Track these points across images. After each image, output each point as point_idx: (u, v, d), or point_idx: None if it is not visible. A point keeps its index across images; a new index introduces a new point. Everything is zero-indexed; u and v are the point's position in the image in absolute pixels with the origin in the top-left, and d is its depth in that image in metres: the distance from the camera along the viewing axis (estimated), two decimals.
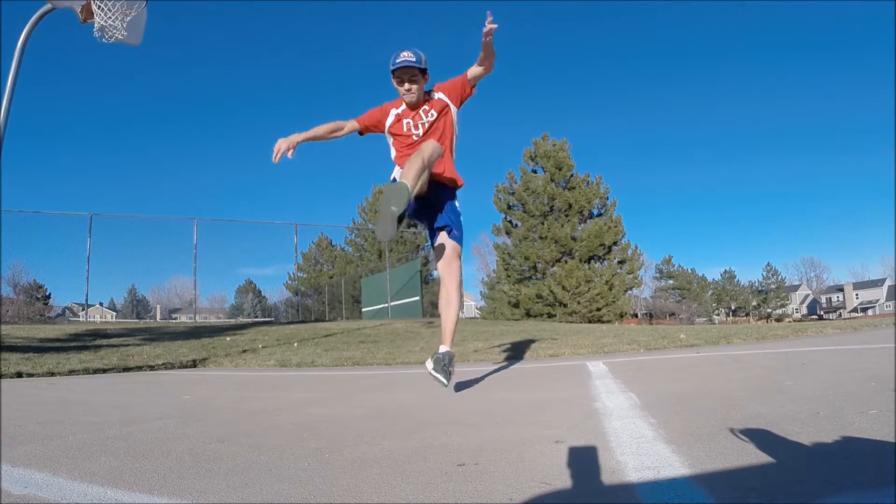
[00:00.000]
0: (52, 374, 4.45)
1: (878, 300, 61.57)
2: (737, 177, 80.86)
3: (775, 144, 79.19)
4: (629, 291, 25.92)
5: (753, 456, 1.32)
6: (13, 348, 5.94)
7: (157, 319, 33.58)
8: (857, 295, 64.28)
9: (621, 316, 24.23)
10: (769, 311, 55.97)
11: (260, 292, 48.51)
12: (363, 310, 20.92)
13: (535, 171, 25.28)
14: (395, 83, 2.96)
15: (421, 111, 3.02)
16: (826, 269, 67.22)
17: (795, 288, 63.84)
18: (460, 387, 3.00)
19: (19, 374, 4.33)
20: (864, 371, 2.56)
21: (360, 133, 3.16)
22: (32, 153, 64.38)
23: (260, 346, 6.91)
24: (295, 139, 2.94)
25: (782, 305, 57.06)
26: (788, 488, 1.09)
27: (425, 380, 2.92)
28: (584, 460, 1.38)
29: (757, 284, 58.73)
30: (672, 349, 4.75)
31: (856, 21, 65.83)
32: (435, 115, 3.01)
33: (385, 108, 3.11)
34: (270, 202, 73.65)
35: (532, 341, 6.24)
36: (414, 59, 2.88)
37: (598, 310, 22.93)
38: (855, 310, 60.57)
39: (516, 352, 5.29)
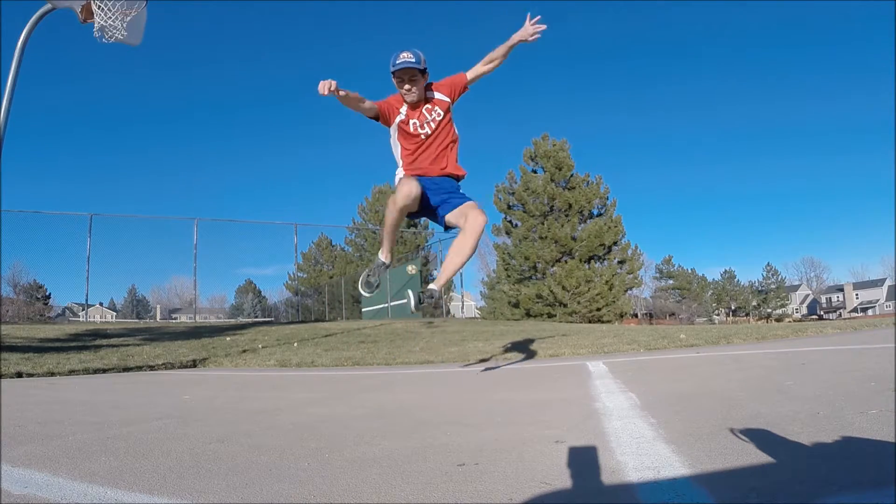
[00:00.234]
0: (52, 374, 4.45)
1: (878, 300, 61.51)
2: (737, 177, 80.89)
3: (775, 144, 79.09)
4: (629, 291, 25.89)
5: (753, 456, 1.32)
6: (13, 348, 5.94)
7: (157, 319, 33.56)
8: (857, 295, 64.22)
9: (621, 316, 24.21)
10: (769, 311, 55.89)
11: (260, 292, 48.53)
12: (363, 310, 20.90)
13: (535, 171, 25.25)
14: (395, 83, 3.03)
15: (424, 110, 3.07)
16: (826, 269, 67.23)
17: (795, 288, 63.77)
18: (460, 387, 3.00)
19: (19, 374, 4.33)
20: (864, 371, 2.56)
21: (374, 116, 3.09)
22: (32, 153, 64.32)
23: (260, 346, 6.91)
24: (335, 84, 2.75)
25: (782, 305, 56.99)
26: (788, 488, 1.09)
27: (425, 380, 2.92)
28: (584, 460, 1.38)
29: (757, 284, 58.66)
30: (672, 349, 4.76)
31: (856, 21, 65.81)
32: (441, 114, 3.08)
33: (397, 104, 3.10)
34: (270, 202, 73.66)
35: (532, 341, 6.25)
36: (414, 60, 2.94)
37: (598, 310, 22.90)
38: (855, 310, 60.51)
39: (516, 352, 5.29)
